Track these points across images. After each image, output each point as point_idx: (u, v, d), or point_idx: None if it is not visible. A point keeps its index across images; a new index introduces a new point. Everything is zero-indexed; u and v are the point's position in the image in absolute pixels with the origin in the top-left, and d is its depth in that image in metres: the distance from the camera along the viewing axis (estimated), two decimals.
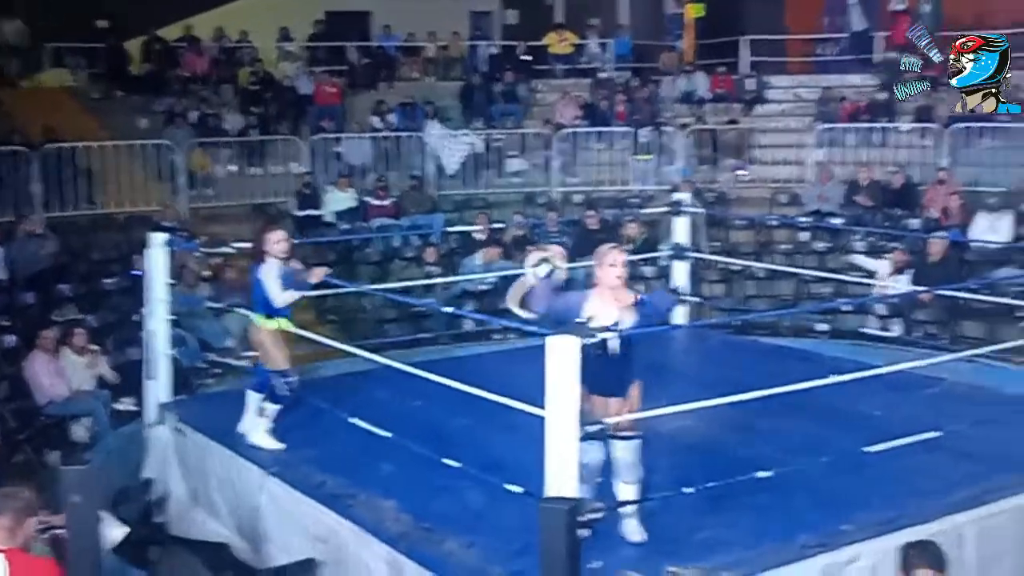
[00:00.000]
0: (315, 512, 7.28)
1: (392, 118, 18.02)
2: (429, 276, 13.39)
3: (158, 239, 9.27)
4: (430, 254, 13.93)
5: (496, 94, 19.39)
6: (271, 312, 7.89)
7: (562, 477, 5.26)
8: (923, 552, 5.02)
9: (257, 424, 8.08)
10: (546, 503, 4.48)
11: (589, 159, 17.76)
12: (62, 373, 10.49)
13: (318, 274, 8.18)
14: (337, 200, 15.63)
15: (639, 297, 6.13)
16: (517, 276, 6.42)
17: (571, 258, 13.83)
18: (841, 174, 16.26)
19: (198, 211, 15.68)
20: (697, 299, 11.94)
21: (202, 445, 8.56)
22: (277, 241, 7.79)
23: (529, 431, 6.19)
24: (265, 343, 7.93)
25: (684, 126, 17.97)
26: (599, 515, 5.68)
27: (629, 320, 5.90)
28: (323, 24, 21.02)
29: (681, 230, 11.63)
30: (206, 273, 12.54)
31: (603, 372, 5.95)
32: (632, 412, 6.11)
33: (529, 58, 20.55)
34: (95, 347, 10.88)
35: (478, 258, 13.84)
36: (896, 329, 12.57)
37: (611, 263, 6.07)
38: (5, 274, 12.58)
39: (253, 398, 8.14)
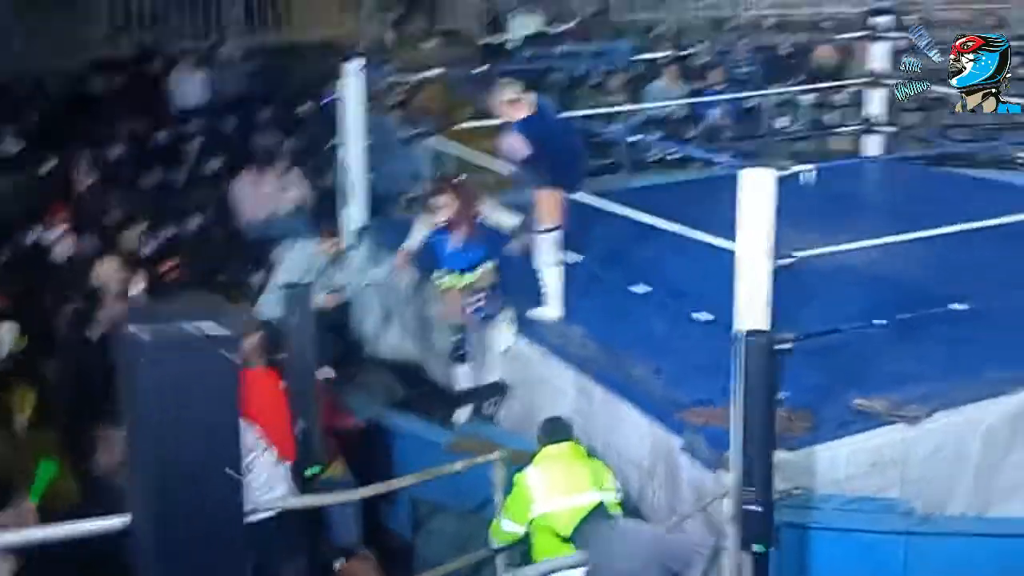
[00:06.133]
0: (505, 336, 7.50)
1: None
2: (613, 105, 13.25)
3: (353, 66, 9.44)
4: (615, 82, 13.71)
5: None
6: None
7: (753, 309, 5.29)
8: None
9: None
10: (750, 336, 4.55)
11: None
12: (262, 196, 10.91)
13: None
14: (522, 25, 15.51)
15: None
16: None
17: (760, 85, 13.71)
18: None
19: (388, 36, 15.81)
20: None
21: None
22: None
23: (712, 259, 6.21)
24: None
25: None
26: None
27: None
28: None
29: (878, 57, 11.20)
30: (397, 99, 12.65)
31: None
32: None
33: None
34: (294, 171, 11.19)
35: (661, 82, 13.55)
36: None
37: None
38: (206, 98, 12.98)
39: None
